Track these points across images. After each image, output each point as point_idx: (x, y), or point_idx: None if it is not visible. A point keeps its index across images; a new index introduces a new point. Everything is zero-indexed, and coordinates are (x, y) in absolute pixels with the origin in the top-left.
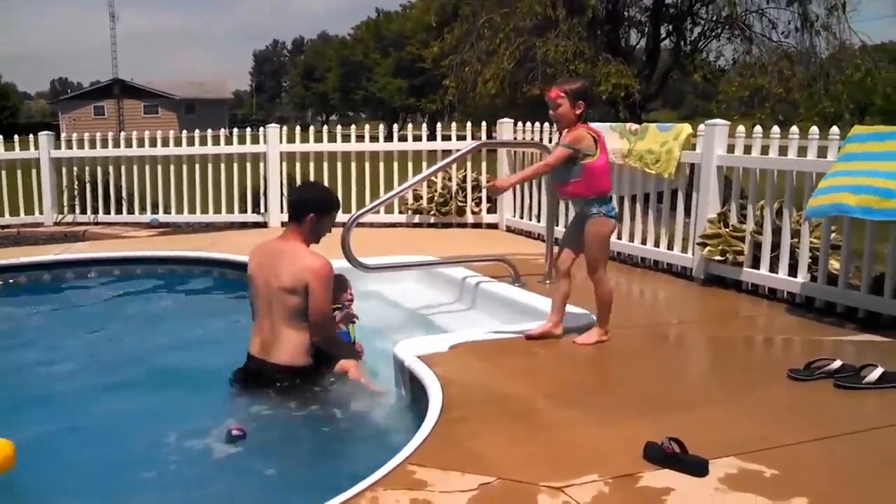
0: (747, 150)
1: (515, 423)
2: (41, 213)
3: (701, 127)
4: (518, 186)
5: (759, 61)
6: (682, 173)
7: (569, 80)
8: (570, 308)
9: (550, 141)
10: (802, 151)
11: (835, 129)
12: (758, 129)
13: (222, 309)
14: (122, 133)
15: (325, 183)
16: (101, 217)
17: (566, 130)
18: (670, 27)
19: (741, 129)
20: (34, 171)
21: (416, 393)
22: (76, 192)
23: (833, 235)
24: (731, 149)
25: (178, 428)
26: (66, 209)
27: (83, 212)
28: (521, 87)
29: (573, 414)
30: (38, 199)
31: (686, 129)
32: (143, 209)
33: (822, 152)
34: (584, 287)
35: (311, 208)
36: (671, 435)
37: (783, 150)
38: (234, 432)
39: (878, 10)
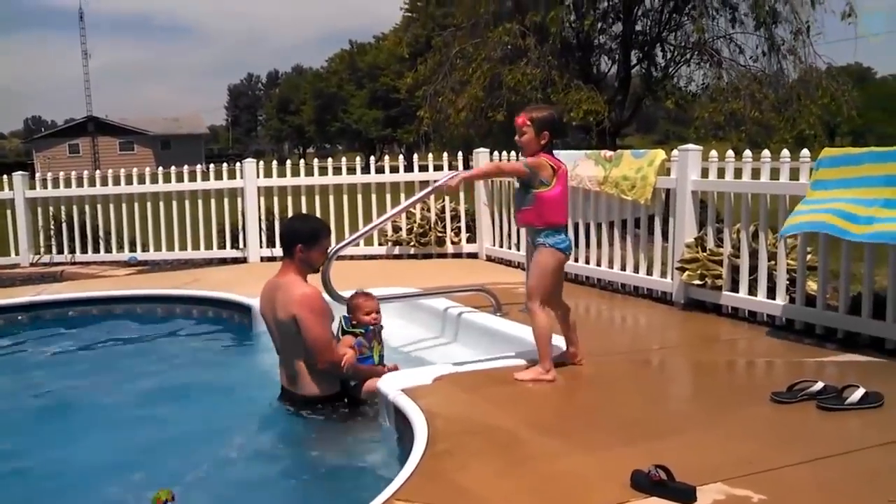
0: (721, 174)
1: (501, 455)
2: (17, 253)
3: (675, 152)
4: (497, 216)
5: (730, 86)
6: (657, 199)
7: (538, 108)
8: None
9: None
10: (775, 174)
11: (805, 152)
12: (730, 153)
13: (206, 346)
14: (98, 171)
15: None
16: (79, 256)
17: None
18: (640, 54)
19: (714, 153)
20: (9, 212)
21: (401, 427)
22: (52, 232)
23: (809, 257)
24: (705, 173)
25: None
26: (42, 249)
27: (60, 251)
28: (487, 114)
29: (559, 443)
30: (14, 239)
31: (660, 154)
32: (120, 247)
33: (795, 174)
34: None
35: (299, 239)
36: (657, 462)
37: (756, 174)
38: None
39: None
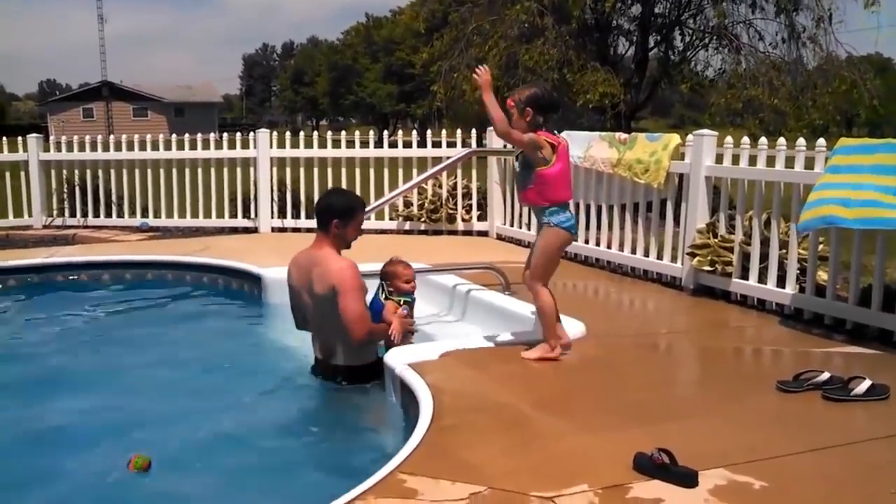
0: (735, 160)
1: (506, 432)
2: (30, 215)
3: (689, 137)
4: (508, 194)
5: (748, 72)
6: (671, 183)
7: (522, 88)
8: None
9: None
10: (790, 162)
11: (821, 141)
12: (745, 139)
13: (215, 314)
14: (112, 136)
15: (316, 189)
16: (91, 220)
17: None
18: (658, 37)
19: (729, 139)
20: (23, 174)
21: (406, 401)
22: (65, 195)
23: (821, 247)
24: (719, 159)
25: (139, 437)
26: (55, 212)
27: (73, 215)
28: (503, 93)
29: (563, 423)
30: (28, 201)
31: (674, 139)
32: (132, 213)
33: (810, 164)
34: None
35: (335, 214)
36: (661, 445)
37: (771, 161)
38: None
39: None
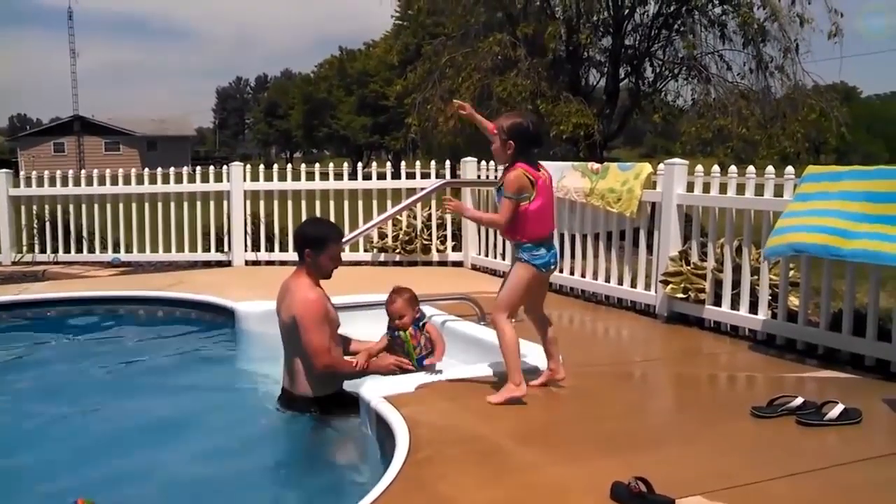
0: (706, 188)
1: (482, 464)
2: None
3: (661, 166)
4: (482, 226)
5: (717, 101)
6: (643, 212)
7: (510, 115)
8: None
9: None
10: (759, 190)
11: (790, 169)
12: (716, 168)
13: (189, 349)
14: (83, 170)
15: (290, 221)
16: (62, 256)
17: (504, 168)
18: (629, 68)
19: (700, 168)
20: None
21: (382, 434)
22: (35, 231)
23: (791, 273)
24: (690, 187)
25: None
26: (24, 248)
27: (43, 251)
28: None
29: (540, 454)
30: None
31: (646, 168)
32: (104, 248)
33: (779, 191)
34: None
35: (307, 243)
36: (637, 474)
37: (741, 189)
38: None
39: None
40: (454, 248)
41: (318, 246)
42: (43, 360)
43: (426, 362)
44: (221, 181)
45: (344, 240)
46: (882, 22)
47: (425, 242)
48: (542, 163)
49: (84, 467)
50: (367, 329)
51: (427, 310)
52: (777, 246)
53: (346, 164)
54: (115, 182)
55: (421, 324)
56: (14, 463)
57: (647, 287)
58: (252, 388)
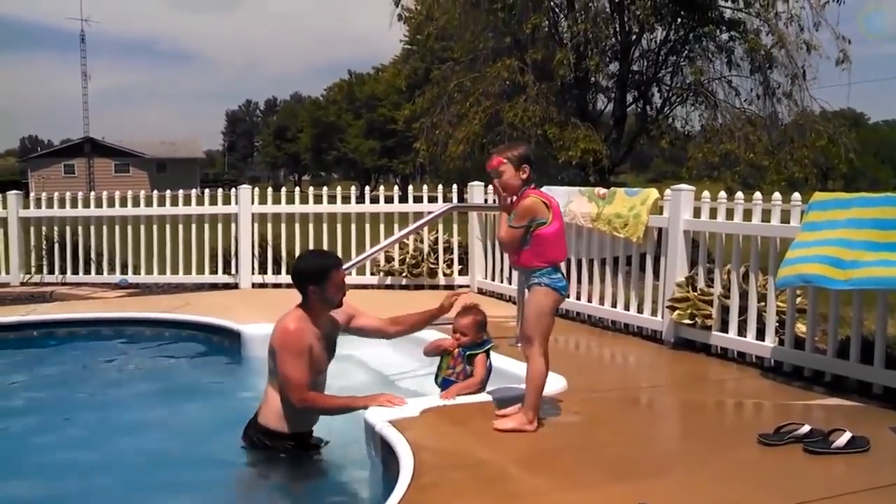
0: (713, 214)
1: (487, 490)
2: (7, 273)
3: (667, 192)
4: (489, 249)
5: (724, 127)
6: (650, 237)
7: (510, 146)
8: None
9: None
10: (766, 216)
11: (796, 195)
12: (722, 193)
13: (195, 371)
14: (93, 192)
15: (297, 244)
16: (70, 277)
17: (515, 199)
18: (636, 93)
19: (706, 193)
20: (1, 231)
21: (387, 458)
22: (44, 252)
23: (799, 300)
24: (697, 213)
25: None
26: (33, 269)
27: (51, 272)
28: (487, 149)
29: (544, 480)
30: (5, 258)
31: (653, 193)
32: (112, 269)
33: (786, 217)
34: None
35: (309, 280)
36: (642, 501)
37: (748, 215)
38: None
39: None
40: (461, 272)
41: (320, 279)
42: (47, 380)
43: (442, 395)
44: (230, 204)
45: (350, 264)
46: (883, 22)
47: (432, 266)
48: (549, 187)
49: (82, 487)
50: (381, 353)
51: (433, 333)
52: (788, 277)
53: (353, 188)
54: (123, 204)
55: (469, 353)
56: (13, 482)
57: (654, 313)
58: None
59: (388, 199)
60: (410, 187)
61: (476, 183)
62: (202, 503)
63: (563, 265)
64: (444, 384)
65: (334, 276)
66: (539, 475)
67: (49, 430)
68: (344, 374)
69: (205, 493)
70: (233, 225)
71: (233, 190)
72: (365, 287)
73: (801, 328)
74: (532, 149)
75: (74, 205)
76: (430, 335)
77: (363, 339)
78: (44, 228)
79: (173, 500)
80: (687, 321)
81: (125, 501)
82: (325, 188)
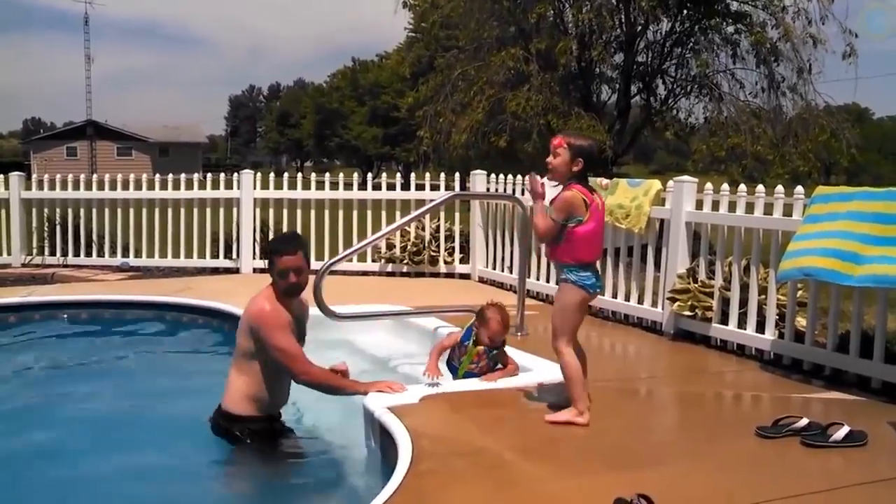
0: (715, 206)
1: (485, 477)
2: (9, 254)
3: (670, 183)
4: (491, 238)
5: (730, 120)
6: (651, 228)
7: (578, 135)
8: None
9: (523, 193)
10: (769, 209)
11: (799, 189)
12: (725, 186)
13: (195, 355)
14: (95, 175)
15: (299, 230)
16: (71, 259)
17: (558, 186)
18: (641, 84)
19: (709, 185)
20: (3, 212)
21: (386, 445)
22: (46, 234)
23: (799, 293)
24: (699, 205)
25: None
26: (34, 251)
27: (52, 254)
28: (490, 138)
29: (543, 468)
30: (7, 239)
31: (655, 184)
32: (113, 252)
33: (788, 210)
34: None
35: (267, 259)
36: (640, 491)
37: (750, 208)
38: None
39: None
40: (462, 261)
41: (270, 262)
42: (46, 362)
43: (484, 378)
44: (232, 188)
45: (352, 249)
46: (884, 21)
47: (433, 254)
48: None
49: (78, 468)
50: (382, 339)
51: (434, 321)
52: (789, 270)
53: (355, 175)
54: (126, 187)
55: (494, 352)
56: (8, 461)
57: (655, 304)
58: None
59: (390, 187)
60: (413, 175)
61: (478, 172)
62: (191, 487)
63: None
64: (465, 376)
65: (276, 262)
66: (537, 463)
67: (44, 411)
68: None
69: (196, 478)
70: (234, 209)
71: (235, 174)
72: (366, 273)
73: (802, 322)
74: (598, 147)
75: (76, 187)
76: (432, 323)
77: (360, 323)
78: (45, 210)
79: (164, 486)
80: (687, 313)
81: (118, 485)
82: (327, 174)
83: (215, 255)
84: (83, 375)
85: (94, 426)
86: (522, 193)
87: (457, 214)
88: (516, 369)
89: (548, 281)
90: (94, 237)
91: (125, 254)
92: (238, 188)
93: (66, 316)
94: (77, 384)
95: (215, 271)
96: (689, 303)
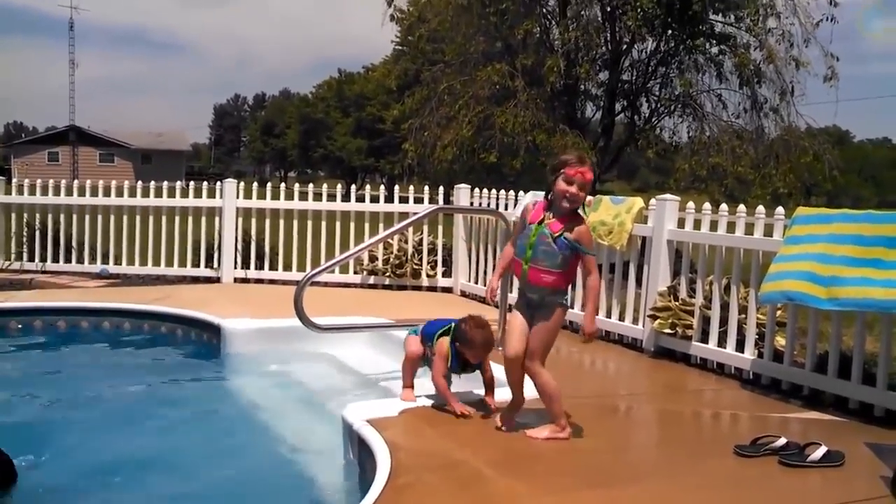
0: (697, 225)
1: (462, 492)
2: None
3: (652, 202)
4: (473, 252)
5: (712, 140)
6: (633, 246)
7: (586, 165)
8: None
9: (507, 208)
10: (750, 229)
11: (780, 209)
12: (706, 205)
13: (173, 364)
14: (76, 181)
15: (281, 240)
16: (50, 265)
17: (566, 215)
18: (625, 102)
19: (691, 204)
20: None
21: (364, 458)
22: (25, 239)
23: (779, 313)
24: (681, 223)
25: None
26: (13, 256)
27: (31, 259)
28: (479, 154)
29: (520, 484)
30: None
31: (638, 202)
32: (93, 259)
33: (769, 230)
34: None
35: None
36: None
37: (731, 227)
38: None
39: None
40: (444, 274)
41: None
42: (20, 369)
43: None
44: (214, 197)
45: (334, 261)
46: (880, 20)
47: (416, 267)
48: (535, 192)
49: (55, 475)
50: (362, 352)
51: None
52: (771, 293)
53: (339, 186)
54: (107, 193)
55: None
56: None
57: (635, 321)
58: (234, 404)
59: (374, 199)
60: (397, 187)
61: (462, 186)
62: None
63: None
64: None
65: None
66: (514, 478)
67: (17, 417)
68: (320, 375)
69: (166, 485)
70: (216, 218)
71: (218, 183)
72: (348, 286)
73: (781, 341)
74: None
75: (57, 192)
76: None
77: (341, 336)
78: (25, 215)
79: (137, 495)
80: (668, 330)
81: (91, 494)
82: (310, 185)
83: (196, 264)
84: (58, 383)
85: (69, 434)
86: (506, 208)
87: (440, 228)
88: (493, 380)
89: None
90: (74, 243)
91: (105, 261)
92: (221, 197)
93: (42, 322)
94: (52, 392)
95: (196, 280)
96: (670, 321)
